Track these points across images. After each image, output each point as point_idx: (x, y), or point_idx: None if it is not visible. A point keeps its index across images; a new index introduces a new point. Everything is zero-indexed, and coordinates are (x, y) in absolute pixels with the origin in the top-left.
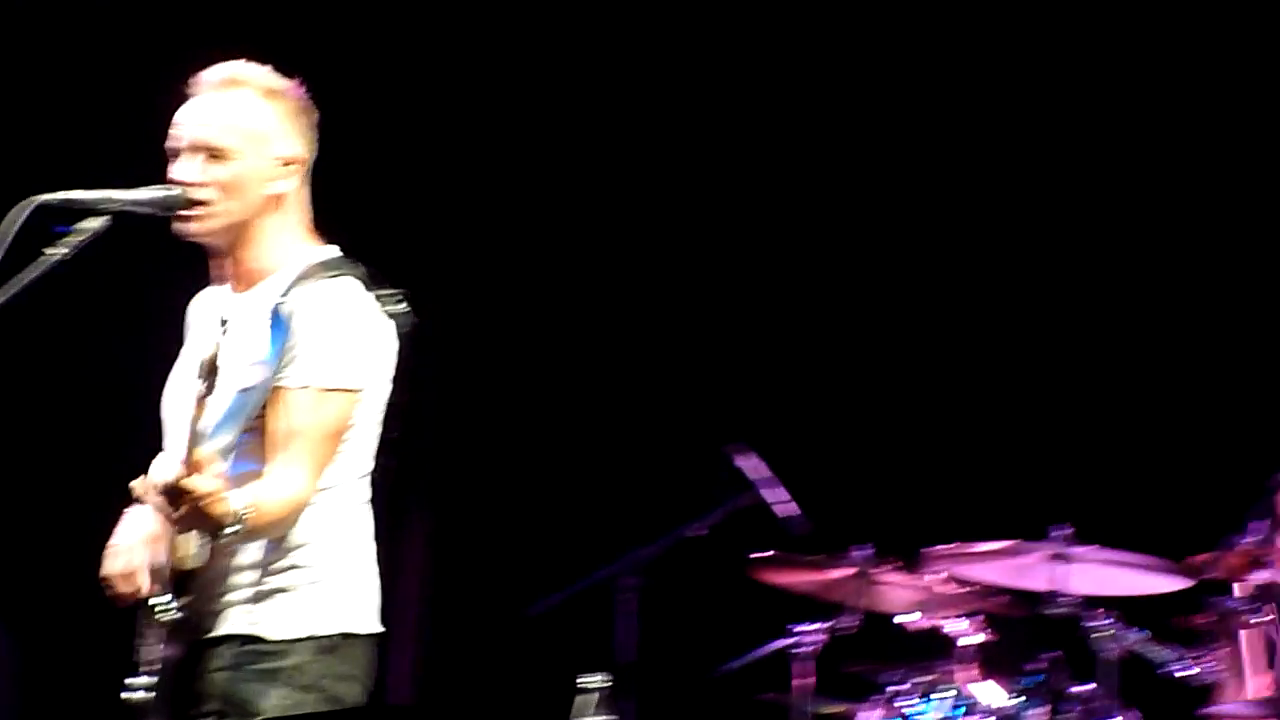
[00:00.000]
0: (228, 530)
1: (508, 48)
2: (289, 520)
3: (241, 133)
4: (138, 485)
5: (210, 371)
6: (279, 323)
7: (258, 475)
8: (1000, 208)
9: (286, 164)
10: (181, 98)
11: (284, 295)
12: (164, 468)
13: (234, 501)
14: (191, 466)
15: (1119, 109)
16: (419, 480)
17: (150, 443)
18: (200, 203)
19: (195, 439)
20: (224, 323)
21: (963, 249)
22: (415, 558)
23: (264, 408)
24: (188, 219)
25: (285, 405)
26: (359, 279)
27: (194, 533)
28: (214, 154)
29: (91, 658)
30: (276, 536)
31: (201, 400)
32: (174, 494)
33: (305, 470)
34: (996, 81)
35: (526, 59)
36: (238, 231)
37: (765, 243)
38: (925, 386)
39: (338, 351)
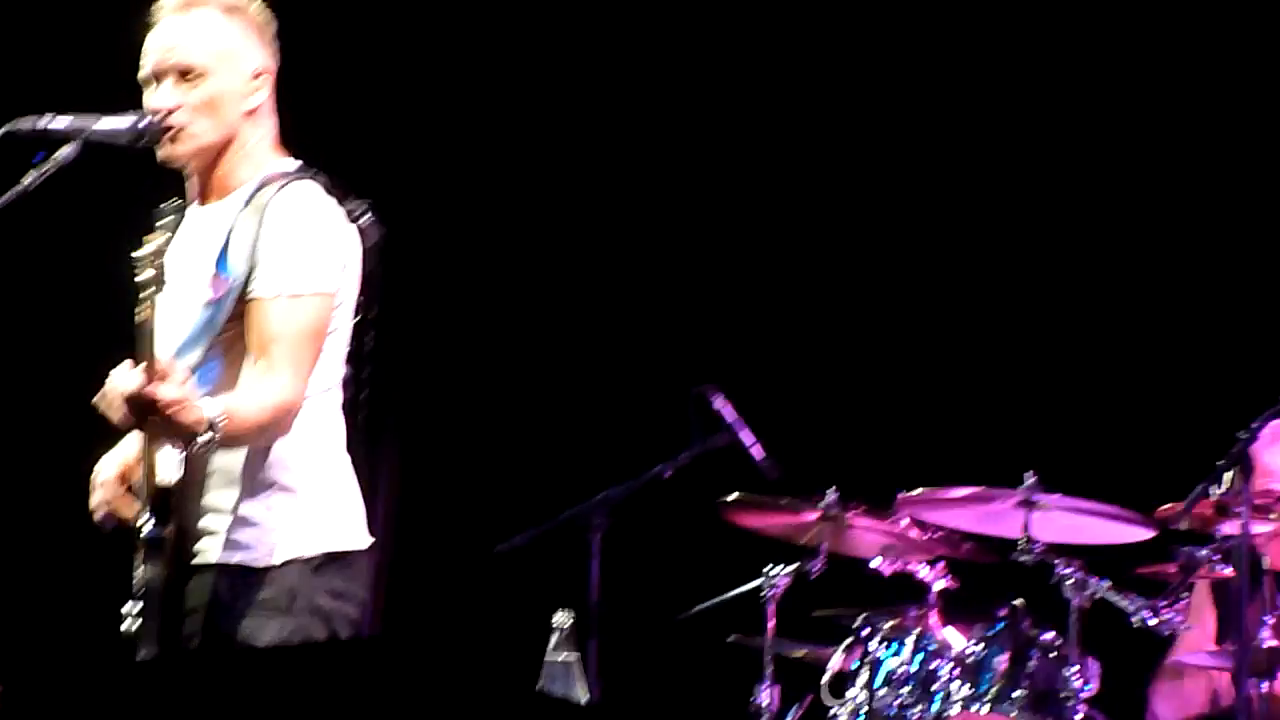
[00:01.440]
0: (201, 439)
1: None
2: (274, 426)
3: (211, 51)
4: (100, 399)
5: (153, 274)
6: (240, 233)
7: (229, 389)
8: (978, 166)
9: (257, 76)
10: (145, 29)
11: (245, 205)
12: (125, 376)
13: (207, 409)
14: (155, 374)
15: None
16: (389, 407)
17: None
18: (179, 127)
19: (147, 342)
20: (165, 223)
21: (944, 200)
22: (384, 485)
23: (230, 321)
24: (169, 143)
25: (261, 315)
26: (322, 185)
27: (168, 449)
28: (186, 75)
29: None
30: (261, 444)
31: (147, 302)
32: (139, 404)
33: (288, 375)
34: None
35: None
36: (216, 149)
37: (742, 185)
38: (900, 332)
39: (306, 255)
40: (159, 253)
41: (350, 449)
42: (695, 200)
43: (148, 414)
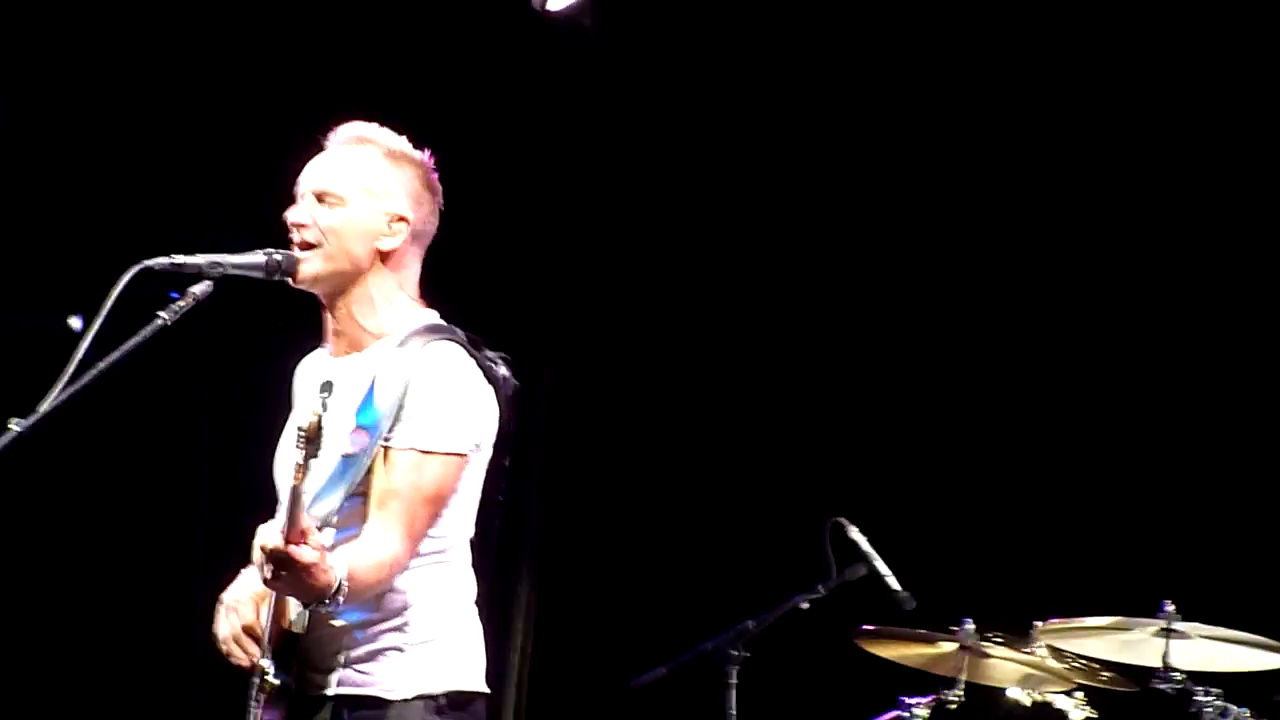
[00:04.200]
0: (328, 603)
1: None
2: (384, 583)
3: (355, 183)
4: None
5: (310, 440)
6: (383, 387)
7: None
8: (1130, 278)
9: (397, 220)
10: (313, 154)
11: (388, 360)
12: (268, 531)
13: (335, 572)
14: (295, 535)
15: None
16: (524, 549)
17: (261, 506)
18: (307, 245)
19: (297, 506)
20: (326, 388)
21: (1083, 336)
22: (519, 626)
23: (368, 474)
24: (299, 264)
25: (388, 465)
26: (461, 343)
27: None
28: (325, 199)
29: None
30: (373, 599)
31: (301, 467)
32: (276, 561)
33: (401, 533)
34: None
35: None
36: (343, 284)
37: (879, 321)
38: (1034, 461)
39: (443, 415)
40: (319, 423)
41: (483, 602)
42: (821, 330)
43: (281, 570)
